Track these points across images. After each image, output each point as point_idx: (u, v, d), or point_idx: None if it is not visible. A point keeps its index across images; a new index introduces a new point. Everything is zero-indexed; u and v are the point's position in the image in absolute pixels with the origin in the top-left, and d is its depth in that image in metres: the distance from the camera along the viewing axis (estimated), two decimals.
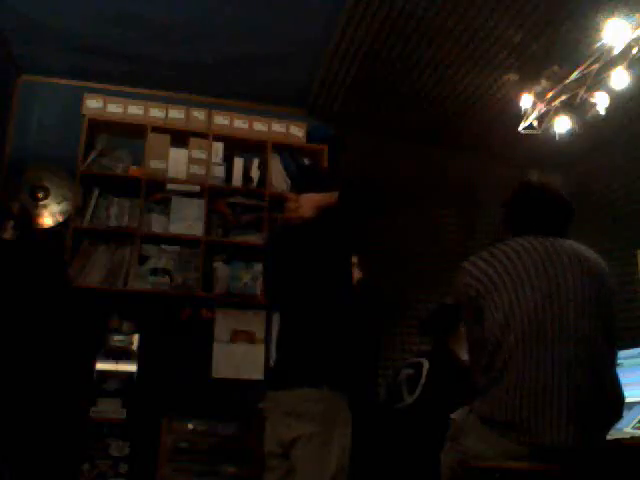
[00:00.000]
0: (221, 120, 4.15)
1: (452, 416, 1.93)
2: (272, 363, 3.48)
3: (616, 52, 3.13)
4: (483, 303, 1.82)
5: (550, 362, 1.71)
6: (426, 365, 2.99)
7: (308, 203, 2.30)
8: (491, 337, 1.78)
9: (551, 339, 1.72)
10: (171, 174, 3.97)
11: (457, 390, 2.58)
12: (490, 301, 1.80)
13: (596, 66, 3.28)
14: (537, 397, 1.69)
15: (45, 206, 3.78)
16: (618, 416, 1.80)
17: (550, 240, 1.89)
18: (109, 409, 3.52)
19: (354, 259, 3.00)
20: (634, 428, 2.92)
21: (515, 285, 1.78)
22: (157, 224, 3.91)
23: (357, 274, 3.18)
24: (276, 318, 3.49)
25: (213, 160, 4.05)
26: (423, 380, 2.93)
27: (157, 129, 4.01)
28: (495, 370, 1.77)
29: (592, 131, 3.81)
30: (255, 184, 4.11)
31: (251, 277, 3.91)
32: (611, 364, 1.80)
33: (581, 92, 3.45)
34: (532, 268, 1.80)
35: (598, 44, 3.18)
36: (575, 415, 1.68)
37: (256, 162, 4.16)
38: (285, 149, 4.22)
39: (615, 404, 1.78)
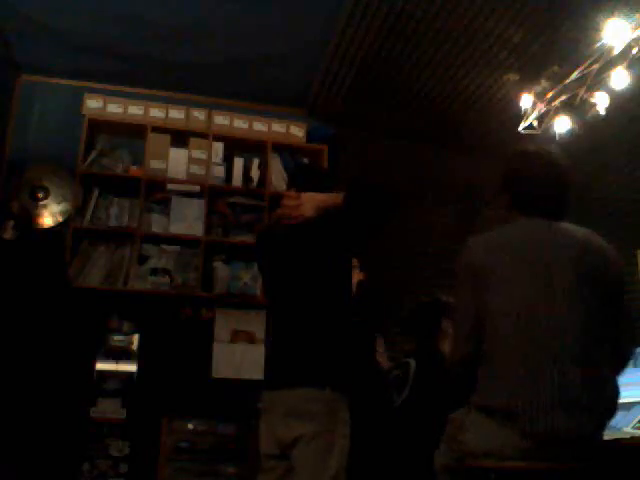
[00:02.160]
0: (221, 120, 4.15)
1: (451, 415, 1.94)
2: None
3: (616, 52, 3.13)
4: (481, 287, 1.85)
5: (541, 353, 1.75)
6: (413, 365, 2.98)
7: (310, 202, 2.23)
8: (489, 328, 1.83)
9: (543, 332, 1.77)
10: (171, 174, 3.97)
11: (445, 388, 2.58)
12: (488, 288, 1.84)
13: (596, 66, 3.28)
14: (532, 386, 1.73)
15: (45, 206, 3.78)
16: (612, 406, 1.82)
17: (553, 227, 1.89)
18: (109, 409, 3.52)
19: (355, 262, 2.98)
20: (634, 428, 2.92)
21: (513, 278, 1.82)
22: (157, 224, 3.91)
23: (358, 276, 3.17)
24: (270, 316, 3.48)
25: (213, 160, 4.05)
26: (411, 381, 2.92)
27: (157, 129, 4.01)
28: (491, 362, 1.81)
29: (592, 131, 3.81)
30: (255, 184, 4.11)
31: (251, 277, 3.91)
32: (605, 356, 1.82)
33: (581, 92, 3.45)
34: (530, 261, 1.83)
35: (598, 44, 3.18)
36: (567, 402, 1.71)
37: (256, 162, 4.16)
38: (285, 149, 4.22)
39: (608, 397, 1.80)
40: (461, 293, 1.93)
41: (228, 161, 4.11)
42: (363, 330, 3.10)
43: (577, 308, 1.78)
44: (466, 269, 1.90)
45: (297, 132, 4.25)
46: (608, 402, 1.80)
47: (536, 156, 1.99)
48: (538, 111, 3.71)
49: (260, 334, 4.00)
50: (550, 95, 3.63)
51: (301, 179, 2.51)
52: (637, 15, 3.01)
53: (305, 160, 4.26)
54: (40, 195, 3.78)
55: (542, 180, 1.95)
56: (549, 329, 1.76)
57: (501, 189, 2.02)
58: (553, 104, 3.65)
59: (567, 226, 1.92)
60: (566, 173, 1.96)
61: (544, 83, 3.63)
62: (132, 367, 3.65)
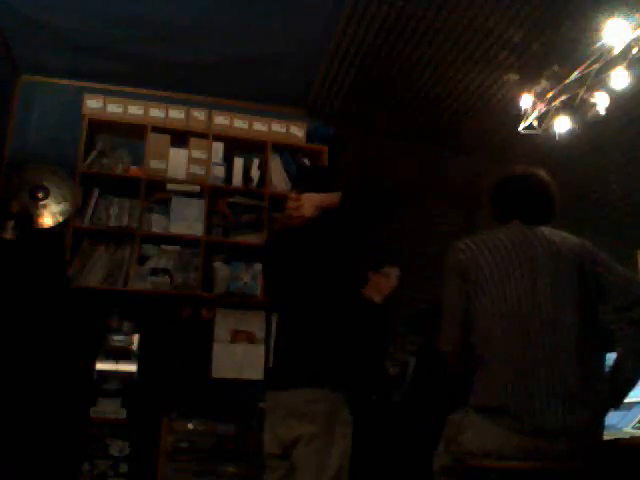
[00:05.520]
0: (221, 120, 4.15)
1: (449, 417, 1.95)
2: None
3: (616, 52, 3.13)
4: (470, 286, 1.92)
5: (535, 351, 1.79)
6: (412, 363, 3.00)
7: (309, 202, 2.29)
8: (481, 329, 1.87)
9: (534, 330, 1.81)
10: (171, 174, 3.97)
11: (445, 387, 2.60)
12: (478, 289, 1.90)
13: (596, 66, 3.28)
14: (527, 384, 1.76)
15: (45, 206, 3.78)
16: (606, 400, 1.83)
17: (532, 231, 1.98)
18: (109, 409, 3.52)
19: (397, 271, 2.99)
20: (634, 428, 2.92)
21: (502, 279, 1.88)
22: (157, 224, 3.91)
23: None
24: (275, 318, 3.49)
25: (213, 160, 4.05)
26: (409, 379, 2.94)
27: (157, 129, 4.01)
28: (486, 363, 1.85)
29: (592, 131, 3.81)
30: (255, 184, 4.11)
31: (251, 277, 3.91)
32: (595, 350, 1.85)
33: (581, 92, 3.45)
34: (516, 263, 1.90)
35: (598, 44, 3.18)
36: (562, 399, 1.74)
37: (256, 162, 4.16)
38: (285, 149, 4.22)
39: (602, 391, 1.82)
40: (449, 289, 2.00)
41: (228, 161, 4.11)
42: (366, 330, 3.10)
43: (563, 309, 1.84)
44: (455, 268, 1.98)
45: (297, 132, 4.25)
46: (603, 396, 1.82)
47: (523, 176, 2.16)
48: (538, 111, 3.71)
49: (260, 334, 4.00)
50: (550, 95, 3.64)
51: (302, 181, 2.54)
52: (637, 15, 3.01)
53: (305, 160, 4.26)
54: (40, 195, 3.77)
55: (523, 204, 2.08)
56: (540, 328, 1.81)
57: (488, 201, 2.16)
58: (553, 104, 3.65)
59: (541, 230, 2.00)
60: (547, 189, 2.10)
61: (544, 83, 3.63)
62: (132, 367, 3.65)
